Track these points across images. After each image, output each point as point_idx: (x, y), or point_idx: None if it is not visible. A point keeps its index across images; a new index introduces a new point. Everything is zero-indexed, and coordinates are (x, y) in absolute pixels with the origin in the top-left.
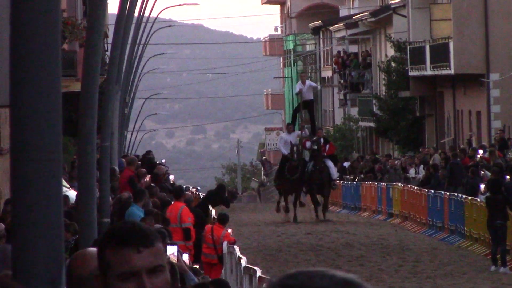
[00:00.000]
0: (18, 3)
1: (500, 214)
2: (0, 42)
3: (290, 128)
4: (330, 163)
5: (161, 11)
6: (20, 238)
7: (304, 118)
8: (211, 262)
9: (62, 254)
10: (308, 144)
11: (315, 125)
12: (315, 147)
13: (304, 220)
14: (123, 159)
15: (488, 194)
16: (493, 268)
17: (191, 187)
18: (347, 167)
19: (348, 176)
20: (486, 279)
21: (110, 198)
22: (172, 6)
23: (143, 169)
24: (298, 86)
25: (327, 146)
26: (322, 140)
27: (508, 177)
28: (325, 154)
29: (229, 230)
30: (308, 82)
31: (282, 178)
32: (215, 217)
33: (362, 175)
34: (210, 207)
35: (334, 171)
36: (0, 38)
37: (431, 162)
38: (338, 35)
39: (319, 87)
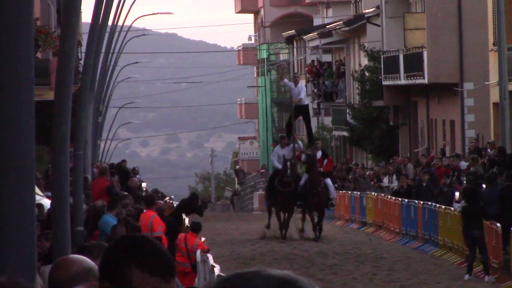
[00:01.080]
0: None
1: (477, 223)
2: None
3: (283, 142)
4: (329, 182)
5: (135, 20)
6: None
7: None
8: (184, 270)
9: (35, 261)
10: (303, 157)
11: (312, 135)
12: (311, 161)
13: (292, 238)
14: (95, 169)
15: (464, 203)
16: (466, 277)
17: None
18: None
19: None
20: None
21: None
22: (146, 15)
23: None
24: (288, 84)
25: (325, 161)
26: (320, 153)
27: (484, 186)
28: (321, 169)
29: (203, 239)
30: (301, 84)
31: (273, 193)
32: (188, 225)
33: (335, 185)
34: (184, 216)
35: (333, 190)
36: None
37: (404, 171)
38: (312, 44)
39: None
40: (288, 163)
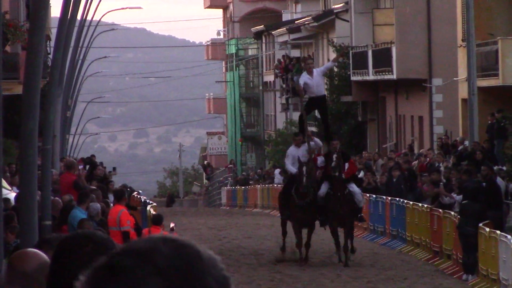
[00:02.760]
0: None
1: (473, 221)
2: None
3: (298, 140)
4: (354, 188)
5: (104, 15)
6: None
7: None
8: None
9: (1, 255)
10: (320, 160)
11: (329, 131)
12: (336, 173)
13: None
14: (61, 162)
15: (463, 200)
16: (465, 277)
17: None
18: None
19: None
20: (427, 284)
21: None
22: (115, 10)
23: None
24: (303, 79)
25: (346, 164)
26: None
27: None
28: (343, 176)
29: (172, 224)
30: (316, 70)
31: (289, 205)
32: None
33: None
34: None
35: (360, 197)
36: None
37: (374, 167)
38: (281, 39)
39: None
40: (304, 168)
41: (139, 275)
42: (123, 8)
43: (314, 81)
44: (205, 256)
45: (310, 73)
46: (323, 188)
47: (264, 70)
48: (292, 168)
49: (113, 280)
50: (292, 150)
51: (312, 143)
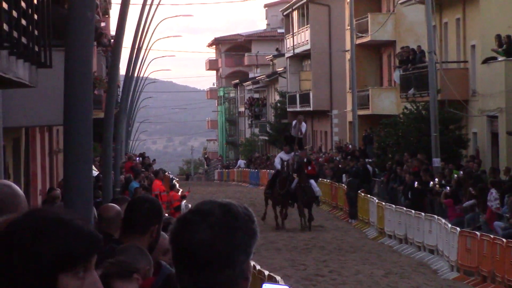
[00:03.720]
0: (69, 72)
1: (355, 189)
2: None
3: (286, 149)
4: (313, 182)
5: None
6: None
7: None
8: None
9: (92, 208)
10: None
11: (301, 145)
12: (302, 160)
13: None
14: (126, 156)
15: (350, 178)
16: (350, 221)
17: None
18: (252, 160)
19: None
20: (332, 224)
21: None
22: (168, 18)
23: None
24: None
25: (309, 167)
26: (305, 160)
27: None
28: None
29: (186, 192)
30: (303, 124)
31: (273, 190)
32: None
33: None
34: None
35: (317, 189)
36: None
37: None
38: (248, 88)
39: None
40: (285, 163)
41: (199, 227)
42: (176, 16)
43: (302, 129)
44: (242, 215)
45: (300, 122)
46: (294, 183)
47: (239, 105)
48: (278, 165)
49: (185, 228)
50: (281, 154)
51: (297, 153)
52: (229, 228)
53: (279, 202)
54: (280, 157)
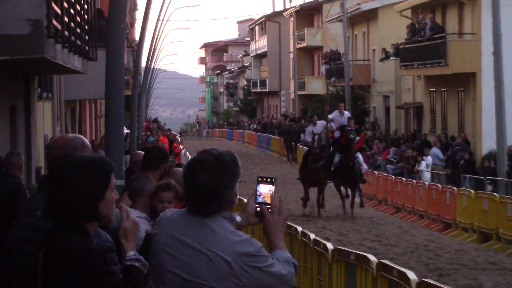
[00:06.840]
0: (108, 63)
1: (291, 141)
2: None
3: (314, 119)
4: (360, 158)
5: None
6: None
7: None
8: None
9: (123, 160)
10: (336, 133)
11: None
12: (351, 135)
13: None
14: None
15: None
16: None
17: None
18: (228, 123)
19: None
20: (279, 168)
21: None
22: (179, 7)
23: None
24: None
25: (357, 137)
26: (352, 132)
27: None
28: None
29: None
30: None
31: (305, 169)
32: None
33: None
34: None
35: (364, 164)
36: None
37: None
38: (226, 76)
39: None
40: (316, 136)
41: (198, 172)
42: (185, 7)
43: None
44: (229, 162)
45: (342, 113)
46: (337, 158)
47: (220, 87)
48: (307, 138)
49: (189, 172)
50: (310, 128)
51: (330, 125)
52: (219, 172)
53: (313, 181)
54: (309, 131)
